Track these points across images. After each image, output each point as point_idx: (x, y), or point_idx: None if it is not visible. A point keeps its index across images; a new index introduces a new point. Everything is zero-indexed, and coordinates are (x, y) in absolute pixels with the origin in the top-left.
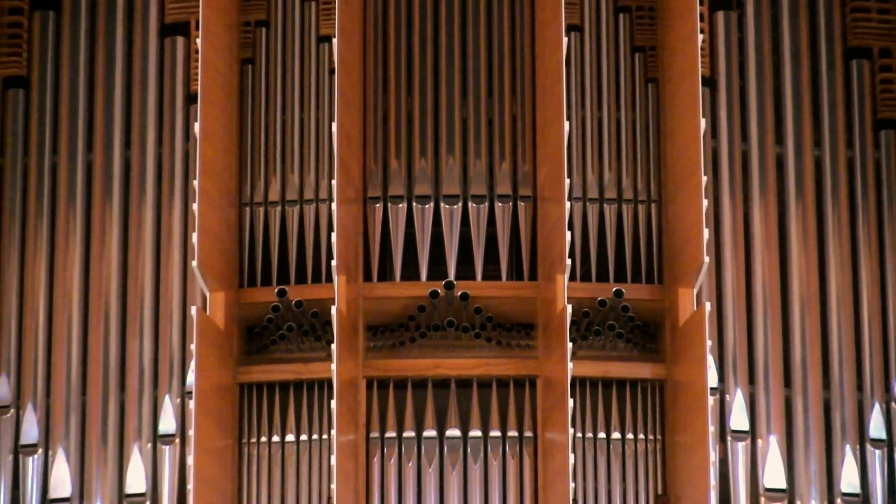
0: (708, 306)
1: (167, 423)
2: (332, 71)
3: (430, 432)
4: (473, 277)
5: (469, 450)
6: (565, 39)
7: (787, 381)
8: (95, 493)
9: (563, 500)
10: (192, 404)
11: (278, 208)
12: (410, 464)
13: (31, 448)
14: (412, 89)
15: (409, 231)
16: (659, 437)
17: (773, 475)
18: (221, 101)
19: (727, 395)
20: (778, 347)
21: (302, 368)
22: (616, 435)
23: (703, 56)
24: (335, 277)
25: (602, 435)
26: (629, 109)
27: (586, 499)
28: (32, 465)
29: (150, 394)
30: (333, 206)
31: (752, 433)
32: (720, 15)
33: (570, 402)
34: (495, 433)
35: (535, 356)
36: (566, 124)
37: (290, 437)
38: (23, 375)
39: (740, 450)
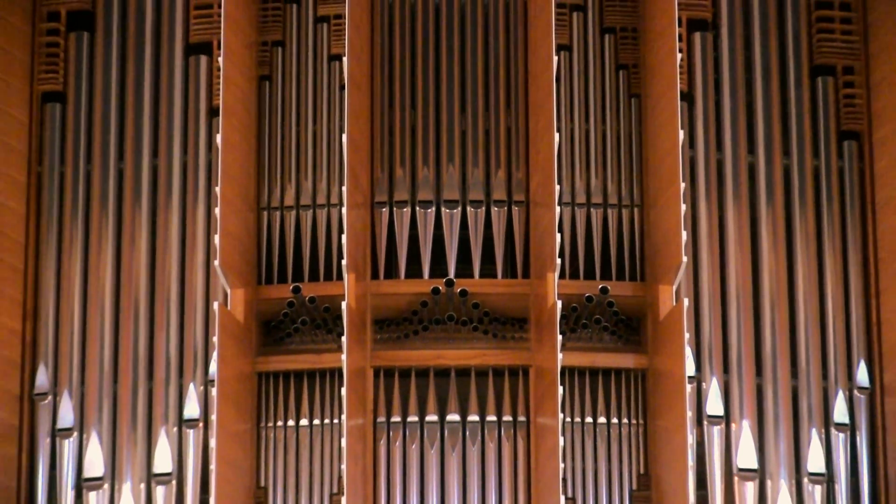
0: (686, 302)
1: (191, 409)
2: (342, 87)
3: (431, 417)
4: (472, 275)
5: (468, 433)
6: (556, 58)
7: (759, 370)
8: (126, 473)
9: (554, 479)
10: (214, 392)
11: (293, 212)
12: (414, 446)
13: (66, 431)
14: (416, 104)
15: (412, 233)
16: (641, 421)
17: (746, 456)
18: (241, 114)
19: (703, 383)
20: (750, 339)
21: (315, 359)
22: (602, 419)
23: (681, 73)
24: (345, 275)
25: (589, 419)
26: (614, 122)
27: (575, 477)
28: (68, 447)
29: (176, 382)
30: (343, 210)
31: (727, 418)
32: (697, 36)
33: (560, 389)
34: (492, 418)
35: (527, 347)
36: (556, 136)
37: (304, 422)
38: (60, 365)
39: (716, 433)
